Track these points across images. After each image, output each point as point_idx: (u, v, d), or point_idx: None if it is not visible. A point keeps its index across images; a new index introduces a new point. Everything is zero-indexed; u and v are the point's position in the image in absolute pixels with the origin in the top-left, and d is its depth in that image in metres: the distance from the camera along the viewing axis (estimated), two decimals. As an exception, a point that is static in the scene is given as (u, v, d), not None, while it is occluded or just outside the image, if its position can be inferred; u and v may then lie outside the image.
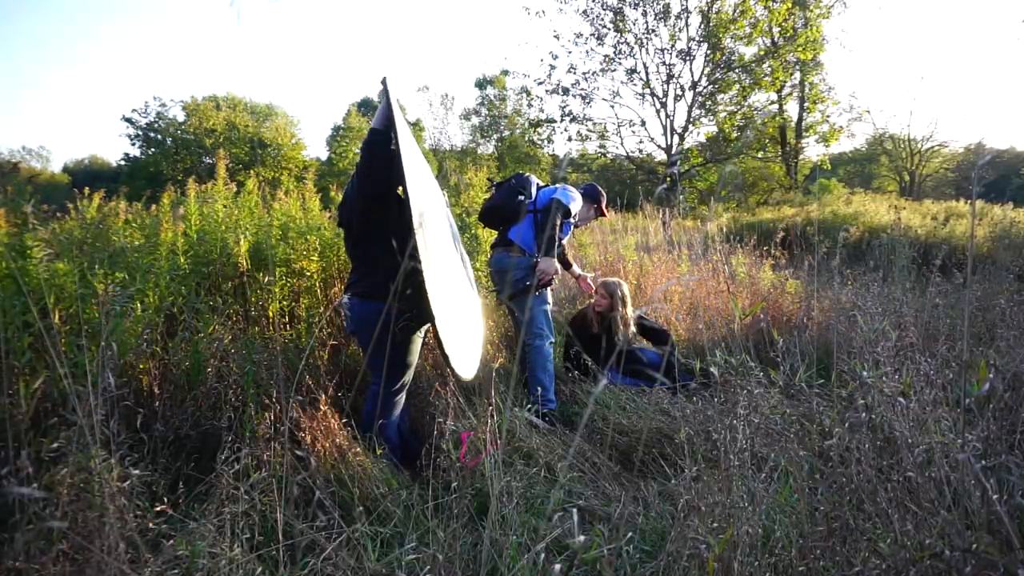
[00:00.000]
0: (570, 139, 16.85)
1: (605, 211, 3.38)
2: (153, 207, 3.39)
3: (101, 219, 2.93)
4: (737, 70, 15.10)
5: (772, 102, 17.20)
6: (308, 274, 2.99)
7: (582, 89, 15.96)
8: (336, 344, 2.95)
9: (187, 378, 2.32)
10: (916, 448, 1.52)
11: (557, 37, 16.18)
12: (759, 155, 17.38)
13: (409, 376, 2.34)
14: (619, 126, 16.21)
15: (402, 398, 2.34)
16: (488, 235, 3.76)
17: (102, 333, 1.82)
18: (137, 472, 1.49)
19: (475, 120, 26.73)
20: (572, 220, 2.96)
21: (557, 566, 1.05)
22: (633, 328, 3.33)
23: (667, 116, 15.62)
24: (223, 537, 1.49)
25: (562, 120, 16.42)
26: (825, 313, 3.86)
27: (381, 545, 1.74)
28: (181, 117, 22.59)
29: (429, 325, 2.23)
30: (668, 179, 14.90)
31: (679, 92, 15.51)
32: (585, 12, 15.41)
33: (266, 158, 21.14)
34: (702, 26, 14.59)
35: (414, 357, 2.36)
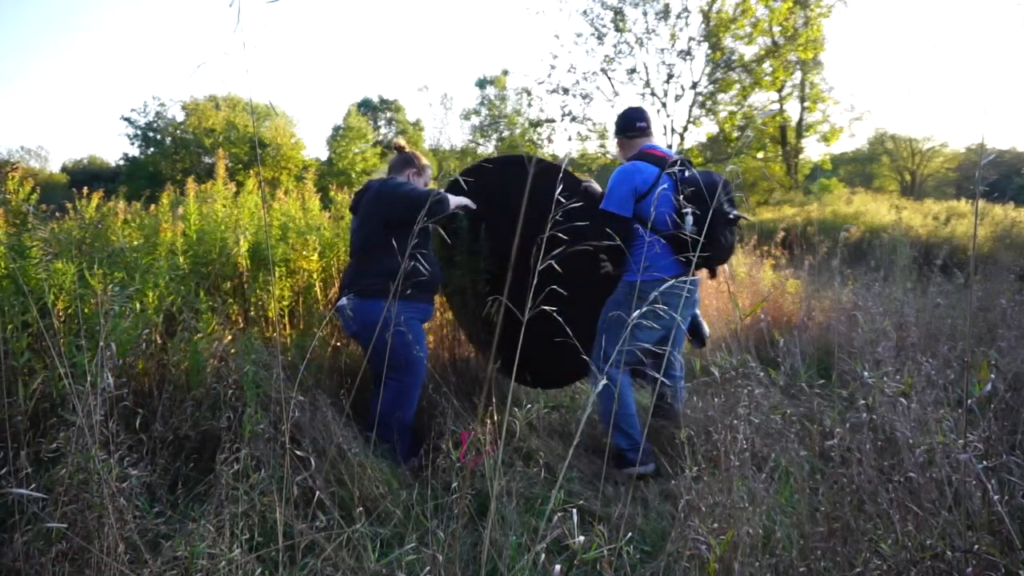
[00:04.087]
0: (570, 139, 16.84)
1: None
2: (152, 207, 3.39)
3: (100, 219, 2.92)
4: (738, 70, 15.09)
5: (773, 101, 17.20)
6: (308, 274, 2.98)
7: (582, 89, 15.96)
8: (336, 344, 2.95)
9: (186, 378, 2.32)
10: (917, 448, 1.51)
11: (557, 36, 16.16)
12: (759, 155, 17.37)
13: (422, 370, 2.37)
14: (619, 126, 16.16)
15: (417, 393, 2.37)
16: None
17: (101, 333, 1.82)
18: (136, 472, 1.49)
19: (475, 120, 26.76)
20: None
21: (557, 567, 1.05)
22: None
23: (667, 116, 15.62)
24: (222, 538, 1.49)
25: (562, 120, 16.41)
26: (825, 313, 3.86)
27: (381, 545, 1.74)
28: (180, 117, 22.58)
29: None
30: (668, 179, 14.87)
31: (679, 92, 15.51)
32: (585, 12, 15.41)
33: (266, 158, 21.10)
34: (702, 26, 14.58)
35: (422, 350, 2.36)
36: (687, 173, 2.22)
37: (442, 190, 2.40)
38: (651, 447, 2.31)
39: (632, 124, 2.39)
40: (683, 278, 2.15)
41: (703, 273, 2.46)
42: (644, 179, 2.21)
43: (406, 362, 2.26)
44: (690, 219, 2.12)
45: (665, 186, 2.19)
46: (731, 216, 2.22)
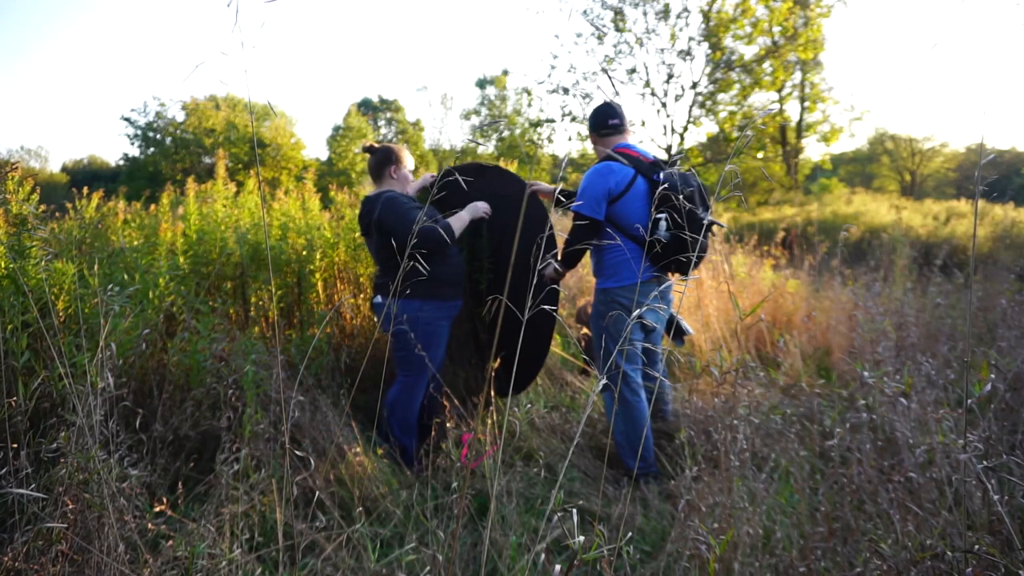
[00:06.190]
0: (570, 139, 16.90)
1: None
2: (152, 207, 3.39)
3: (100, 219, 2.92)
4: (737, 70, 15.10)
5: (773, 101, 17.21)
6: (309, 274, 2.98)
7: (582, 89, 15.98)
8: (337, 344, 2.95)
9: (186, 378, 2.32)
10: (917, 448, 1.51)
11: (557, 36, 16.19)
12: (759, 155, 17.37)
13: (425, 373, 2.36)
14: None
15: (420, 392, 2.36)
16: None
17: (101, 333, 1.82)
18: (136, 472, 1.49)
19: (475, 120, 26.79)
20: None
21: (557, 567, 1.05)
22: None
23: (667, 116, 15.63)
24: (223, 538, 1.49)
25: (562, 120, 16.44)
26: (826, 313, 3.86)
27: (381, 545, 1.74)
28: (180, 117, 22.60)
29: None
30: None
31: (679, 92, 15.53)
32: (585, 12, 15.45)
33: (266, 158, 21.11)
34: (702, 26, 14.60)
35: (440, 349, 2.36)
36: (661, 175, 2.16)
37: (439, 218, 2.23)
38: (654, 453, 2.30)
39: (604, 122, 2.30)
40: (657, 282, 2.21)
41: (674, 276, 2.47)
42: (618, 180, 2.15)
43: (415, 360, 2.23)
44: (663, 224, 2.07)
45: (640, 188, 2.14)
46: (704, 221, 2.16)
